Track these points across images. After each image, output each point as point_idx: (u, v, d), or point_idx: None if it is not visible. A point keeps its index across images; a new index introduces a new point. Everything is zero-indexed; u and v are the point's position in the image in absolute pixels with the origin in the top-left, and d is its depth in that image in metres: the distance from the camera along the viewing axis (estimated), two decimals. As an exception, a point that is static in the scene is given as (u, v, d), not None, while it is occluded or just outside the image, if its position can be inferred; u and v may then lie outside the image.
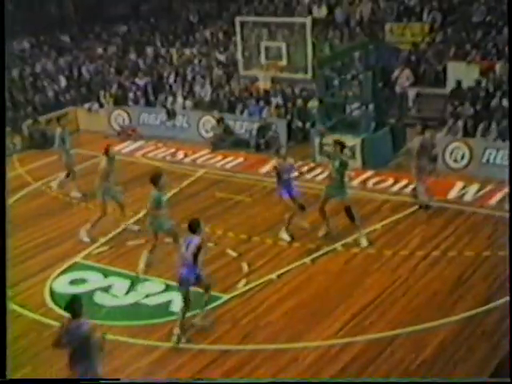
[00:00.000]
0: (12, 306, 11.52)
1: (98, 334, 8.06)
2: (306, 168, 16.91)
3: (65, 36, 26.90)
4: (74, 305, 8.05)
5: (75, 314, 7.97)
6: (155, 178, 11.71)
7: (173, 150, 19.28)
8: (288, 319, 10.71)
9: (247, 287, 11.68)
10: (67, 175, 16.31)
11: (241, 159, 18.21)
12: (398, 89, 19.67)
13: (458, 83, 18.33)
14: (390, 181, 15.95)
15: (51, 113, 21.97)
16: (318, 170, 16.73)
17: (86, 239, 13.71)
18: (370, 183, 15.96)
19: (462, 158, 16.16)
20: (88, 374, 7.95)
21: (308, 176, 16.56)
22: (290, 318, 10.75)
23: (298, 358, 9.71)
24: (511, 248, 10.31)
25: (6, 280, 7.74)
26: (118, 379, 9.32)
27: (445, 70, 19.72)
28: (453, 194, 15.09)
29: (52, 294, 11.89)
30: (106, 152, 13.79)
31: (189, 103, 21.16)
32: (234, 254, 12.88)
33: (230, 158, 18.23)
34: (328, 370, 9.37)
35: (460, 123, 16.76)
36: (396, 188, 15.56)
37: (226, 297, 11.38)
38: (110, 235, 13.96)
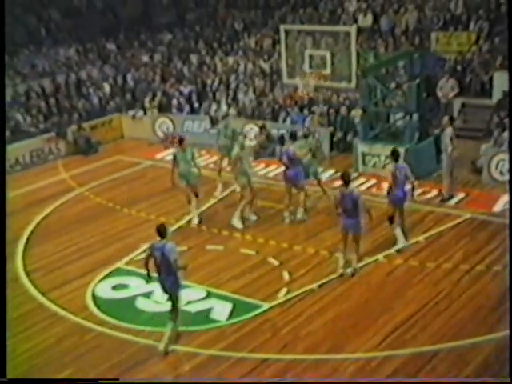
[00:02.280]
0: (54, 309, 11.74)
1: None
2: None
3: (111, 44, 27.24)
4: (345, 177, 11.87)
5: (347, 183, 11.84)
6: None
7: (216, 158, 19.30)
8: (328, 330, 10.63)
9: (288, 296, 11.64)
10: (196, 195, 15.03)
11: (283, 168, 18.07)
12: (442, 99, 19.45)
13: (505, 94, 18.03)
14: (434, 192, 15.68)
15: (96, 119, 22.29)
16: (361, 180, 16.64)
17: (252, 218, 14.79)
18: (414, 194, 15.71)
19: (508, 170, 15.85)
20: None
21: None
22: (331, 328, 10.68)
23: (338, 369, 9.62)
24: (511, 253, 10.13)
25: (6, 281, 8.39)
26: (117, 379, 9.45)
27: (491, 80, 19.41)
28: (498, 207, 14.75)
29: (94, 298, 12.00)
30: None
31: (232, 111, 21.24)
32: (276, 263, 12.85)
33: (272, 167, 18.13)
34: (368, 382, 9.26)
35: (506, 135, 16.48)
36: (440, 199, 15.31)
37: (266, 305, 11.36)
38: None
